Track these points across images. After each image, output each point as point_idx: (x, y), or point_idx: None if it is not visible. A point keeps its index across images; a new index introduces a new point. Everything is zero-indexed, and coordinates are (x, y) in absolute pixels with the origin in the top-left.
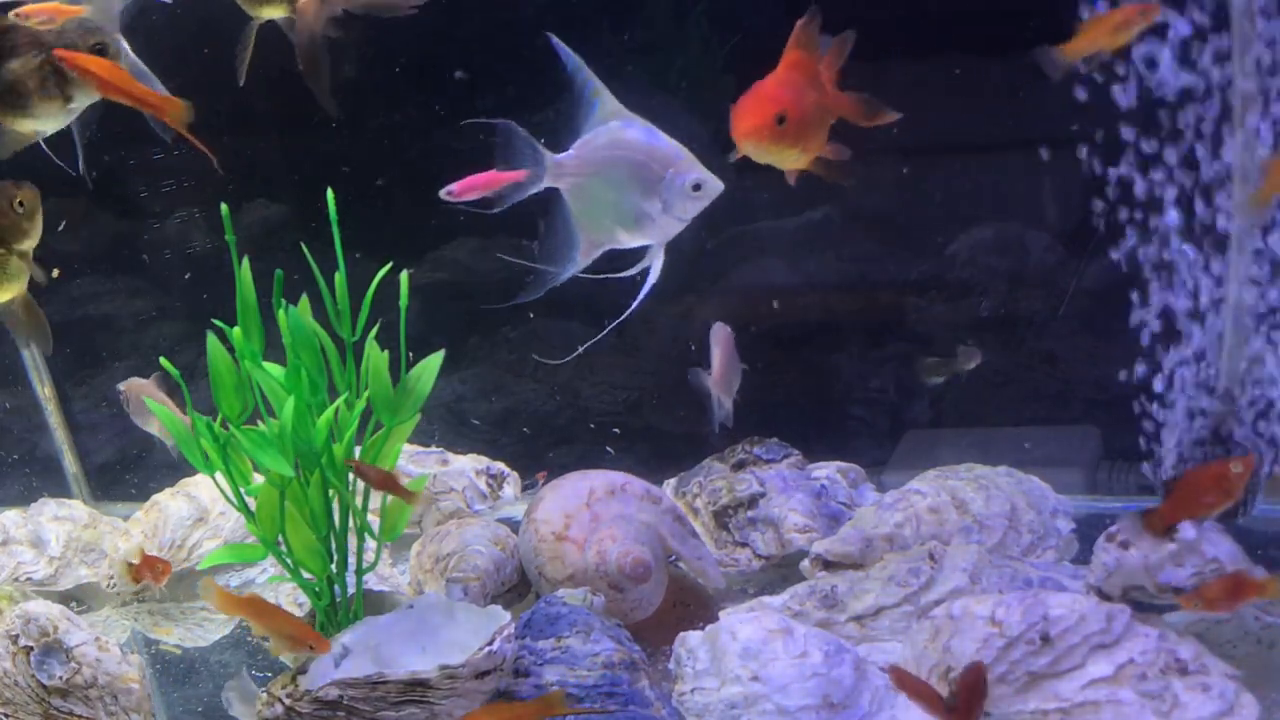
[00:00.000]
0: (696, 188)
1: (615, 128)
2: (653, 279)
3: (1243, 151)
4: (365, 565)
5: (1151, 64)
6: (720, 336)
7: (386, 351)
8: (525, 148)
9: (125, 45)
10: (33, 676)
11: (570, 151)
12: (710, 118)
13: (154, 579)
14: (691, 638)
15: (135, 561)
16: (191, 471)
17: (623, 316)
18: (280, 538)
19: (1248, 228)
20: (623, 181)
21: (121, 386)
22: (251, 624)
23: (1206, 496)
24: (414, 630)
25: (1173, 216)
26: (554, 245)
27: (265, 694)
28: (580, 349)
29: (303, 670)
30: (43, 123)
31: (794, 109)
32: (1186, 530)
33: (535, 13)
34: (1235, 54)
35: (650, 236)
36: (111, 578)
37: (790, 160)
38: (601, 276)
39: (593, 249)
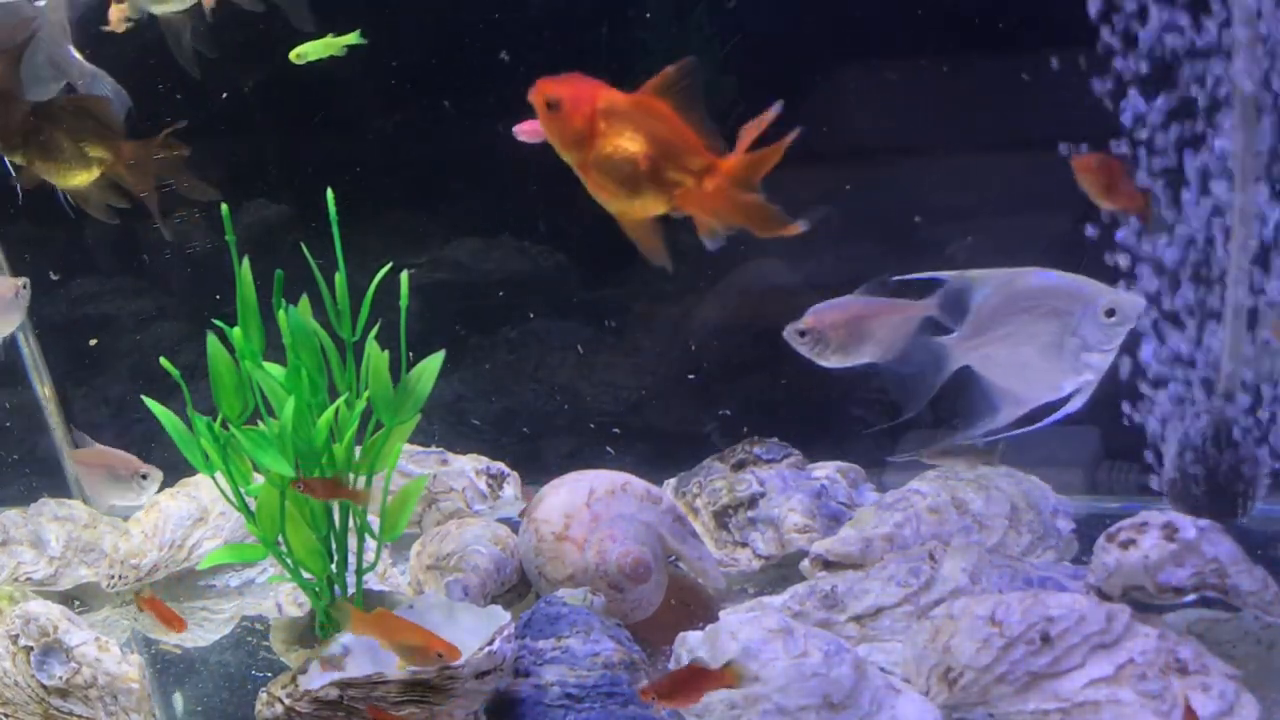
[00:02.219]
0: (1110, 313)
1: (1002, 286)
2: (1075, 407)
3: (1243, 149)
4: (365, 565)
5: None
6: None
7: (387, 351)
8: (915, 348)
9: (73, 51)
10: (33, 676)
11: (964, 328)
12: (708, 118)
13: (161, 618)
14: (691, 638)
15: (145, 596)
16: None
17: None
18: (280, 538)
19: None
20: (1032, 335)
21: None
22: (381, 641)
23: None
24: None
25: (1172, 216)
26: (974, 410)
27: (265, 694)
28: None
29: (302, 670)
30: None
31: (577, 105)
32: (1186, 530)
33: (540, 14)
34: (1236, 57)
35: (1078, 378)
36: (111, 578)
37: (588, 175)
38: (1025, 430)
39: (1019, 408)
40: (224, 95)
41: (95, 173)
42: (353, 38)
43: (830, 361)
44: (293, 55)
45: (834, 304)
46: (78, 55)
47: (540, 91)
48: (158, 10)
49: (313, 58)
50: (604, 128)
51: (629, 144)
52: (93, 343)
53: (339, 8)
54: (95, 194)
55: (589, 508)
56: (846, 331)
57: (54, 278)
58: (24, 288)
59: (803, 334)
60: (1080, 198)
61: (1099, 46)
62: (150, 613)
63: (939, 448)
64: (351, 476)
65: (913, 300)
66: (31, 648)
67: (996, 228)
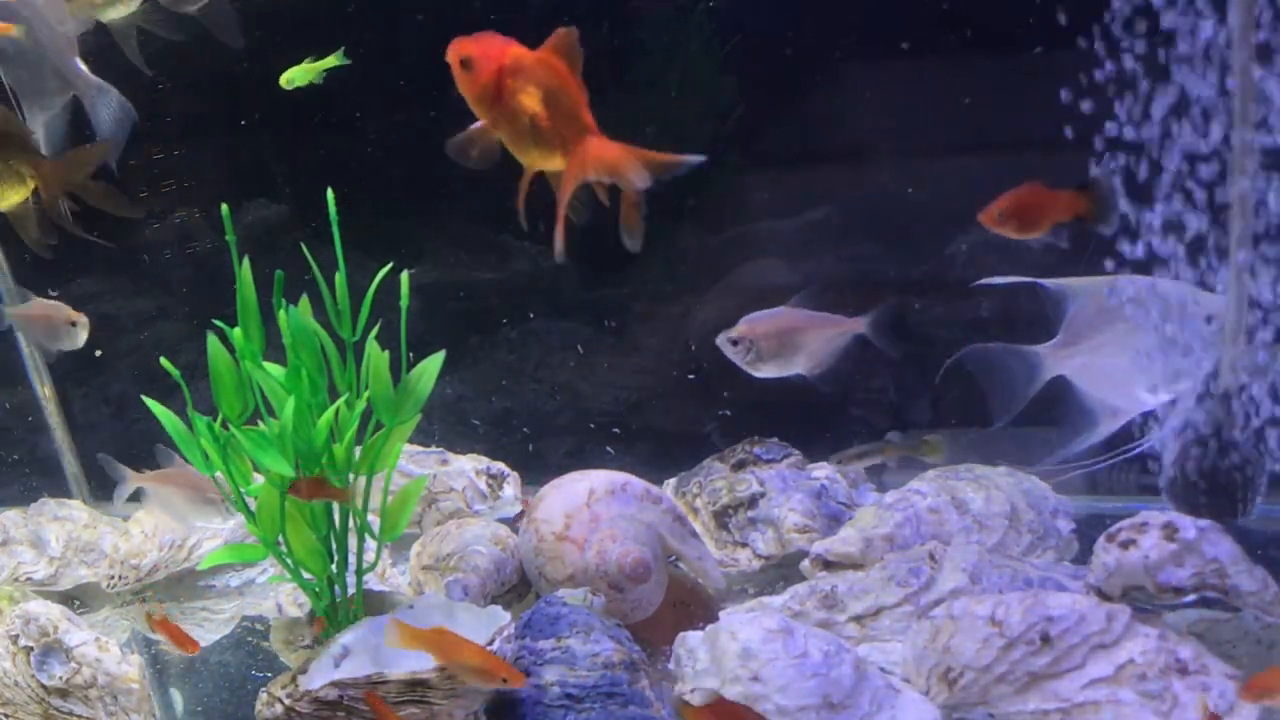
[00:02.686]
0: (1210, 320)
1: (1097, 294)
2: (1172, 426)
3: (1241, 146)
4: (365, 565)
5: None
6: None
7: (387, 352)
8: (1008, 356)
9: (79, 64)
10: (33, 676)
11: (1058, 338)
12: (708, 118)
13: (174, 640)
14: (691, 638)
15: (155, 616)
16: None
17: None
18: (280, 538)
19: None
20: (1130, 344)
21: None
22: (437, 659)
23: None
24: None
25: (1172, 215)
26: (1070, 422)
27: (265, 694)
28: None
29: (303, 670)
30: None
31: (486, 62)
32: (1187, 530)
33: (539, 13)
34: (1235, 58)
35: (1181, 385)
36: (111, 578)
37: (492, 120)
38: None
39: (1118, 416)
40: (245, 121)
41: (29, 188)
42: (334, 59)
43: (761, 371)
44: (283, 81)
45: (767, 314)
46: (84, 68)
47: (455, 51)
48: (104, 17)
49: (301, 83)
50: (511, 83)
51: (529, 100)
52: (99, 353)
53: (346, 9)
54: (28, 214)
55: (589, 508)
56: (778, 342)
57: (52, 294)
58: (75, 325)
59: (735, 342)
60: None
61: (1098, 43)
62: (162, 634)
63: (850, 452)
64: (352, 476)
65: (844, 316)
66: (31, 648)
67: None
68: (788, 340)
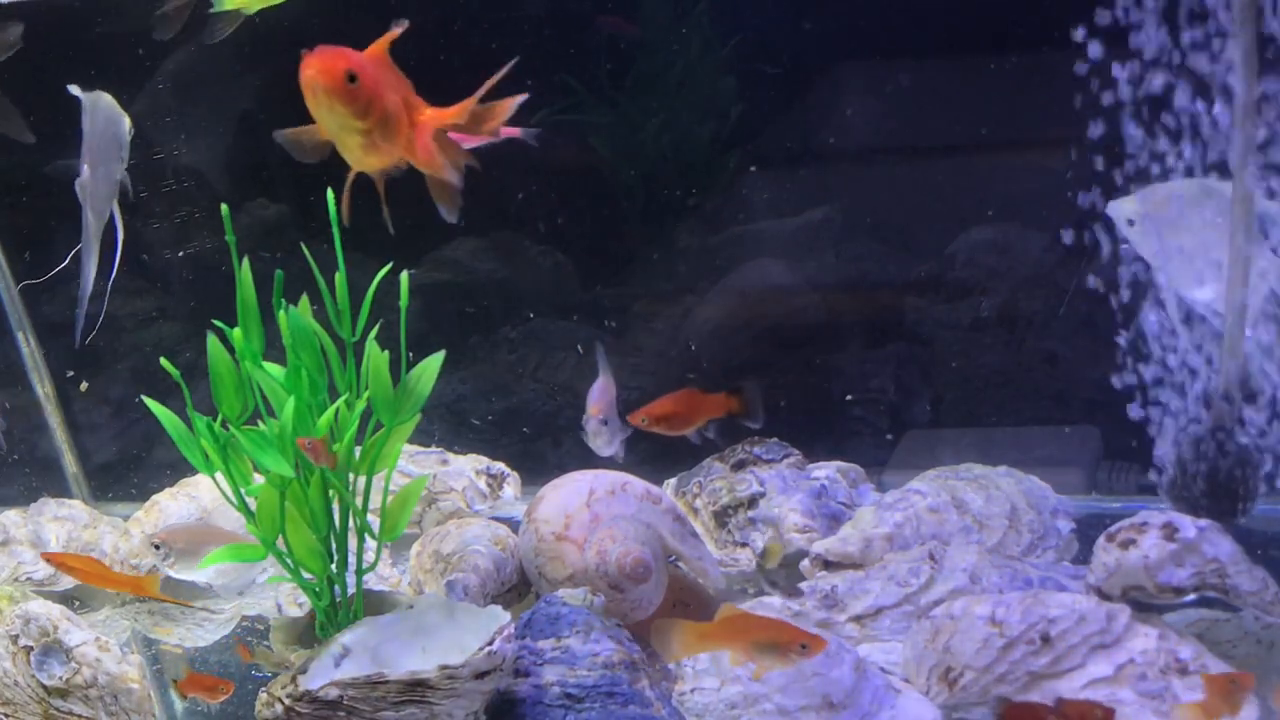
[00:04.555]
0: None
1: None
2: None
3: (1243, 145)
4: (365, 565)
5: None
6: None
7: (387, 352)
8: None
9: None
10: (33, 676)
11: None
12: (709, 118)
13: (209, 697)
14: None
15: (182, 682)
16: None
17: None
18: (280, 538)
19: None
20: None
21: None
22: (737, 649)
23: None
24: (414, 630)
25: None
26: None
27: (265, 694)
28: None
29: (303, 670)
30: None
31: (366, 72)
32: (1186, 530)
33: (538, 11)
34: (1236, 57)
35: None
36: None
37: (353, 137)
38: None
39: None
40: (245, 120)
41: None
42: None
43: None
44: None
45: (597, 392)
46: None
47: (332, 69)
48: None
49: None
50: (378, 90)
51: (394, 99)
52: (83, 387)
53: (336, 7)
54: None
55: (589, 508)
56: (603, 408)
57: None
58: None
59: (605, 421)
60: (1078, 198)
61: (1097, 43)
62: (197, 694)
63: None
64: (351, 477)
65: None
66: (31, 648)
67: (996, 228)
68: (609, 405)
